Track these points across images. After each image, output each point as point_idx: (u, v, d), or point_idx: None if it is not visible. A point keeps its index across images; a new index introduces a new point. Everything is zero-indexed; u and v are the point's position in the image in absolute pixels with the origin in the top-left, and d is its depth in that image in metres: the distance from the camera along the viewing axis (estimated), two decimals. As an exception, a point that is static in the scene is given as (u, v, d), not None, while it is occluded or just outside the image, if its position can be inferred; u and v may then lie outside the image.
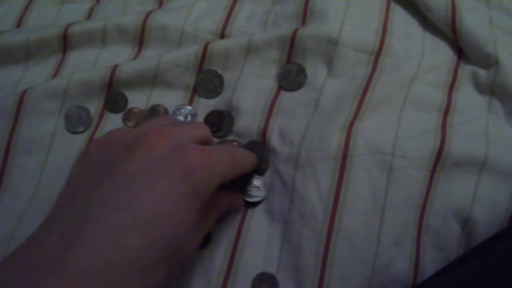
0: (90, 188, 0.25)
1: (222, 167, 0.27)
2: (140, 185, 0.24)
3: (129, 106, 0.38)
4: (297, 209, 0.33)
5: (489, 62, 0.35)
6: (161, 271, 0.24)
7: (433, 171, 0.33)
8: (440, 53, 0.38)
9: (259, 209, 0.34)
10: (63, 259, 0.22)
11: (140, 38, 0.40)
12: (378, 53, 0.37)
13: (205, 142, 0.30)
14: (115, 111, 0.38)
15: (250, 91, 0.37)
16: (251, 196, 0.34)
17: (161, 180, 0.25)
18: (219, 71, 0.38)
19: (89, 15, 0.43)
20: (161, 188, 0.24)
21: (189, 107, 0.37)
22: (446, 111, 0.35)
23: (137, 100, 0.38)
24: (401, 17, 0.39)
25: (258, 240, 0.33)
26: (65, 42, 0.40)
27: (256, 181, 0.34)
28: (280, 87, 0.37)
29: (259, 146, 0.35)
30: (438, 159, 0.33)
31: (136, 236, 0.23)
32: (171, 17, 0.40)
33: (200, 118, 0.37)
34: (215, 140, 0.36)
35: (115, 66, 0.37)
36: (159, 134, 0.27)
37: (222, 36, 0.39)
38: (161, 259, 0.24)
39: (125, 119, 0.37)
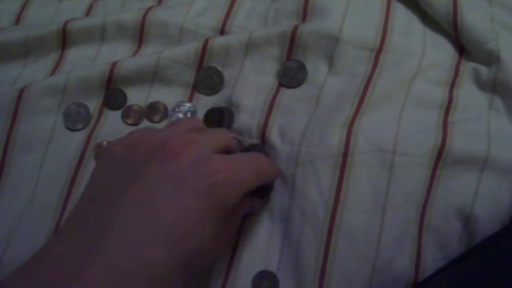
0: (114, 196, 0.25)
1: (246, 178, 0.27)
2: (163, 197, 0.24)
3: (128, 103, 0.38)
4: (298, 207, 0.33)
5: (491, 59, 0.35)
6: (180, 282, 0.24)
7: (435, 168, 0.33)
8: (441, 50, 0.37)
9: (259, 207, 0.34)
10: (85, 268, 0.22)
11: (140, 35, 0.40)
12: (379, 50, 0.37)
13: (228, 150, 0.30)
14: (114, 108, 0.37)
15: (250, 88, 0.37)
16: None
17: (184, 194, 0.25)
18: (219, 68, 0.38)
19: (88, 12, 0.43)
20: (184, 202, 0.24)
21: (188, 104, 0.37)
22: (448, 108, 0.35)
23: (137, 97, 0.38)
24: (402, 14, 0.39)
25: (258, 238, 0.33)
26: (64, 39, 0.39)
27: None
28: (280, 84, 0.37)
29: (259, 147, 0.35)
30: (440, 157, 0.33)
31: (157, 250, 0.23)
32: (171, 14, 0.39)
33: (200, 115, 0.37)
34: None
35: (114, 63, 0.37)
36: (184, 142, 0.27)
37: (222, 32, 0.39)
38: (181, 272, 0.24)
39: (124, 116, 0.37)
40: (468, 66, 0.37)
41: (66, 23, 0.39)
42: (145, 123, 0.37)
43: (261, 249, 0.33)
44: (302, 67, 0.37)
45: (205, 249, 0.25)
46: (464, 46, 0.37)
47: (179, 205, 0.24)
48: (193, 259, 0.25)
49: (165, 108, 0.37)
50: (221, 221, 0.26)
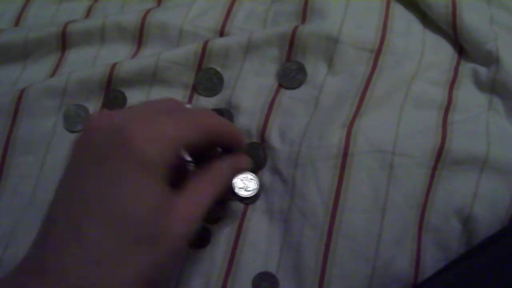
0: (58, 188, 0.26)
1: (172, 131, 0.25)
2: (89, 175, 0.24)
3: (128, 104, 0.38)
4: (298, 207, 0.33)
5: (490, 59, 0.35)
6: (140, 258, 0.23)
7: (434, 169, 0.33)
8: (441, 51, 0.37)
9: (259, 208, 0.34)
10: (41, 263, 0.23)
11: (139, 36, 0.40)
12: (379, 51, 0.37)
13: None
14: (114, 109, 0.38)
15: (249, 89, 0.37)
16: (245, 189, 0.34)
17: (104, 166, 0.24)
18: (219, 69, 0.38)
19: (88, 14, 0.43)
20: (107, 173, 0.23)
21: (188, 106, 0.37)
22: (447, 109, 0.35)
23: (136, 98, 0.38)
24: (401, 14, 0.39)
25: (258, 239, 0.33)
26: (64, 40, 0.39)
27: (249, 174, 0.34)
28: (280, 85, 0.37)
29: (256, 145, 0.35)
30: (439, 157, 0.33)
31: (94, 227, 0.23)
32: (170, 15, 0.40)
33: (200, 116, 0.37)
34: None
35: (114, 65, 0.37)
36: (97, 117, 0.26)
37: (221, 34, 0.39)
38: (132, 245, 0.23)
39: (124, 118, 0.37)
40: (467, 67, 0.37)
41: (66, 25, 0.39)
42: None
43: (261, 250, 0.33)
44: (301, 68, 0.37)
45: (149, 215, 0.23)
46: (463, 46, 0.37)
47: (103, 179, 0.23)
48: (139, 228, 0.23)
49: (165, 109, 0.37)
50: (158, 183, 0.24)
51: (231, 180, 0.30)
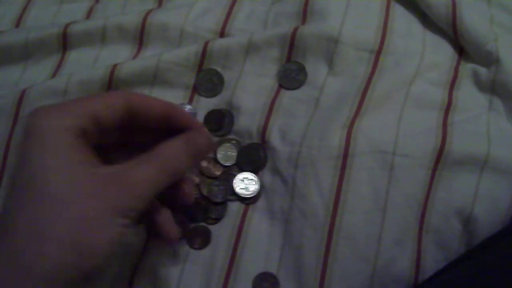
0: None
1: (73, 104, 0.26)
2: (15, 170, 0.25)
3: (129, 105, 0.38)
4: (298, 208, 0.33)
5: (490, 60, 0.35)
6: (62, 220, 0.23)
7: (434, 169, 0.33)
8: (441, 51, 0.38)
9: (260, 208, 0.34)
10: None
11: (140, 37, 0.40)
12: (379, 52, 0.37)
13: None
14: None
15: (250, 90, 0.37)
16: (246, 190, 0.34)
17: (21, 151, 0.24)
18: (219, 70, 0.38)
19: (89, 15, 0.43)
20: (22, 153, 0.24)
21: (188, 106, 0.37)
22: (447, 110, 0.35)
23: (137, 99, 0.38)
24: (401, 15, 0.39)
25: (258, 239, 0.33)
26: (65, 42, 0.40)
27: (249, 175, 0.34)
28: (281, 86, 0.37)
29: (256, 146, 0.35)
30: (439, 158, 0.33)
31: (14, 202, 0.23)
32: (171, 16, 0.40)
33: (200, 117, 0.37)
34: (215, 139, 0.36)
35: (115, 66, 0.37)
36: None
37: (222, 34, 0.39)
38: (48, 207, 0.23)
39: (125, 119, 0.37)
40: (467, 67, 0.37)
41: (67, 26, 0.39)
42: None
43: (262, 250, 0.33)
44: (302, 69, 0.37)
45: (54, 176, 0.23)
46: (463, 47, 0.37)
47: (21, 159, 0.24)
48: (50, 191, 0.23)
49: (166, 110, 0.37)
50: (55, 145, 0.24)
51: (187, 155, 0.27)
